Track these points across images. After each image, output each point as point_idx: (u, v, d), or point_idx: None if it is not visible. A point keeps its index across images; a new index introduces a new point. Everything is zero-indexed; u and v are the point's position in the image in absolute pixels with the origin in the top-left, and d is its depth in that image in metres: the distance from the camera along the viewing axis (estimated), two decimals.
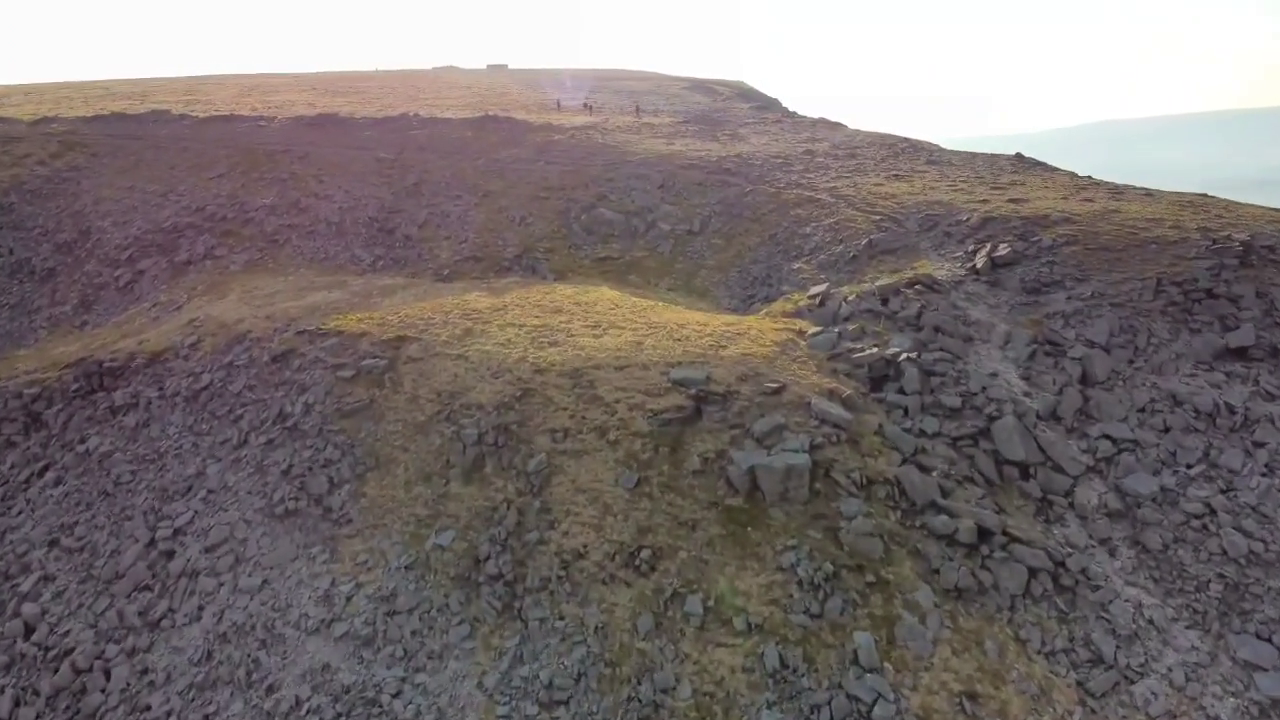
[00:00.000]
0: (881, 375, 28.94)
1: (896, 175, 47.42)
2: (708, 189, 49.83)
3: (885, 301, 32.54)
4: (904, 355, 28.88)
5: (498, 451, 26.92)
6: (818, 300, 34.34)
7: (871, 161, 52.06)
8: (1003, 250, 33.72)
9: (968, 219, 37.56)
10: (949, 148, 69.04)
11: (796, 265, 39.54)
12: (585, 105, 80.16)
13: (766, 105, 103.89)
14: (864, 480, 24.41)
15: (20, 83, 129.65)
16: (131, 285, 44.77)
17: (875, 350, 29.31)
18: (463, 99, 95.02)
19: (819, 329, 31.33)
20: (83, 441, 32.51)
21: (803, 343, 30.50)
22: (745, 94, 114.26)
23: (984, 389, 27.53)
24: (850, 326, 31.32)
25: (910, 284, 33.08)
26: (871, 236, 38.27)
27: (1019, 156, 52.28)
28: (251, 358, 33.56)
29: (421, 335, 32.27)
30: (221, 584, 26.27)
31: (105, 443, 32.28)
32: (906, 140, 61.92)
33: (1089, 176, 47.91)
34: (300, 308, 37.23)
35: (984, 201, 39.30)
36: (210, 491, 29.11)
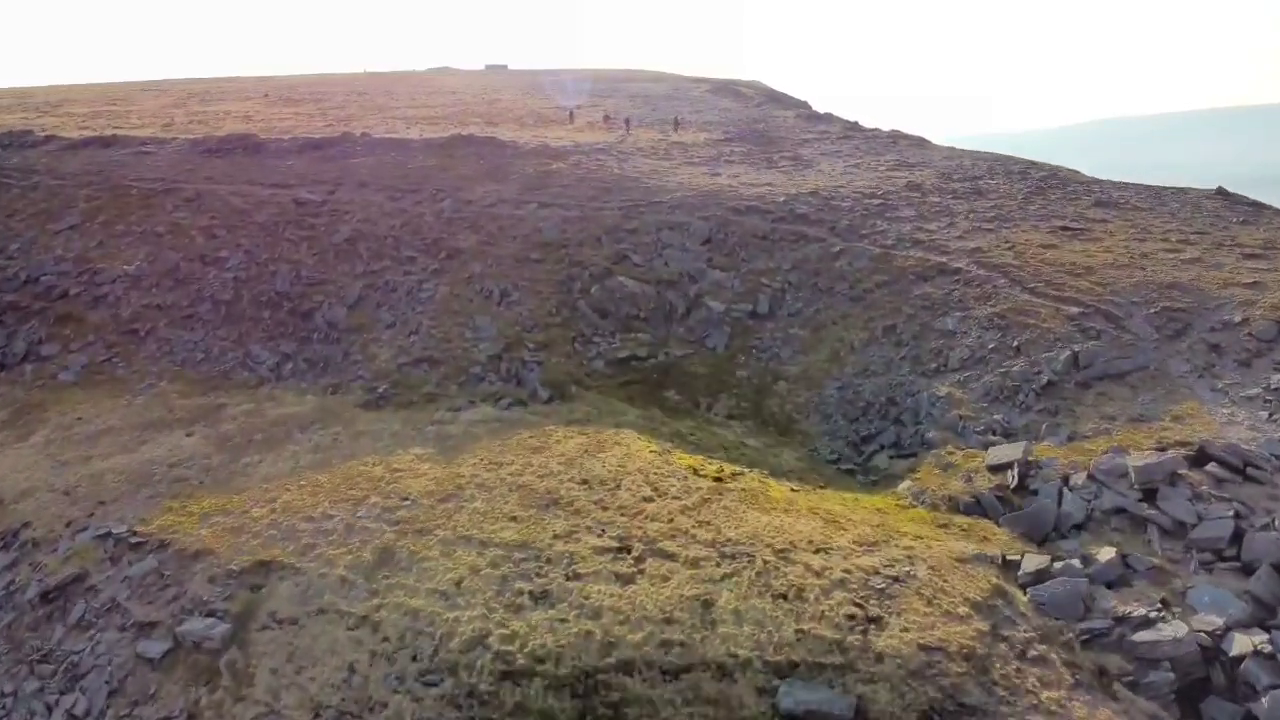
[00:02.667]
0: (1197, 679, 15.74)
1: (1066, 228, 34.35)
2: (776, 246, 36.82)
3: (1151, 495, 19.30)
4: (1244, 645, 15.56)
5: None
6: (1011, 477, 21.15)
7: (1013, 203, 38.92)
8: None
9: (1241, 319, 24.32)
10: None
11: (943, 389, 26.33)
12: (606, 117, 67.27)
13: (811, 113, 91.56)
14: None
15: None
16: None
17: (1179, 630, 16.04)
18: (444, 108, 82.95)
19: (1040, 562, 18.06)
20: None
21: (1019, 596, 17.26)
22: (774, 97, 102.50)
23: None
24: (1102, 556, 18.05)
25: (1195, 459, 19.85)
26: (1076, 347, 25.09)
27: (1222, 193, 39.14)
28: (10, 589, 20.62)
29: (302, 560, 19.25)
30: None
31: None
32: (1036, 164, 48.86)
33: None
34: (126, 472, 24.44)
35: (1253, 285, 26.15)
36: None
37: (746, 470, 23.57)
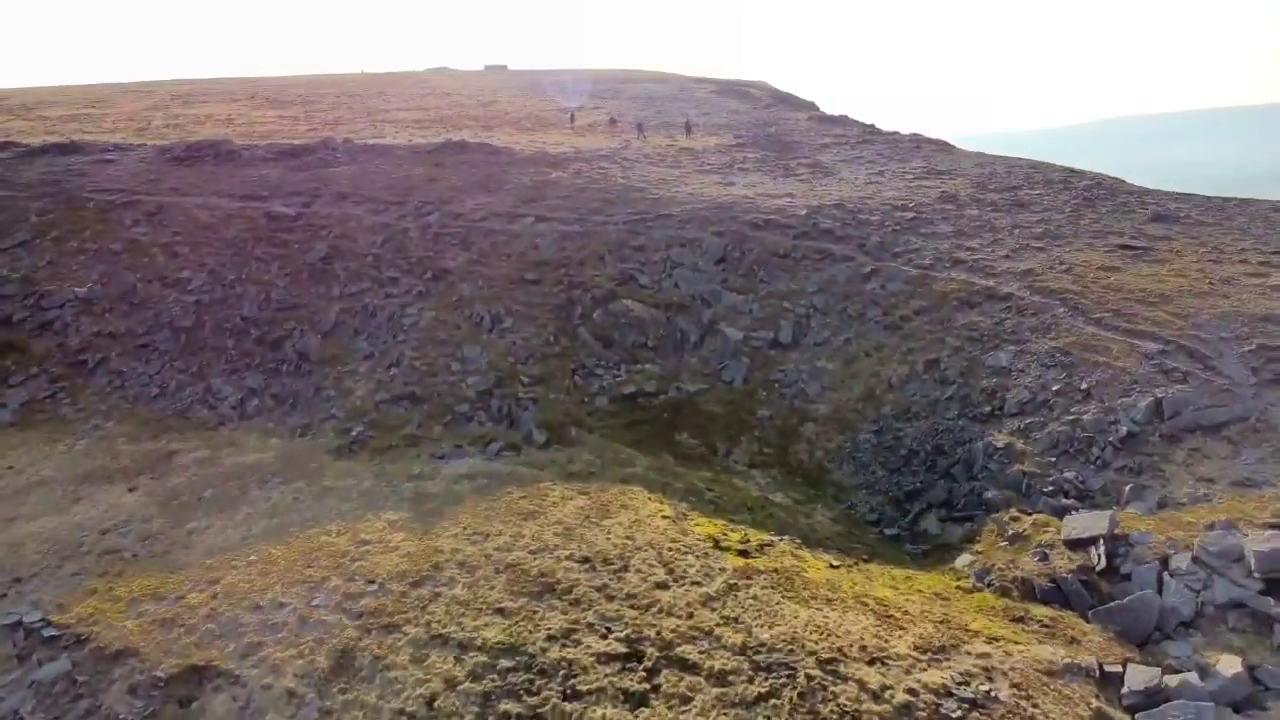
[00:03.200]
0: None
1: (1126, 246, 31.24)
2: (799, 265, 33.75)
3: (1275, 585, 16.20)
4: None
5: None
6: (1096, 556, 18.01)
7: (1060, 216, 35.81)
8: None
9: None
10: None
11: (1001, 439, 23.18)
12: (612, 120, 63.92)
13: (824, 115, 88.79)
14: None
15: None
16: None
17: None
18: (438, 110, 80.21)
19: (1149, 677, 14.91)
20: None
21: None
22: (783, 98, 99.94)
23: None
24: (1223, 667, 14.91)
25: None
26: (1159, 392, 21.94)
27: None
28: None
29: (242, 665, 16.16)
30: None
31: None
32: (1076, 171, 45.81)
33: None
34: (51, 540, 21.39)
35: None
36: None
37: (776, 539, 20.48)
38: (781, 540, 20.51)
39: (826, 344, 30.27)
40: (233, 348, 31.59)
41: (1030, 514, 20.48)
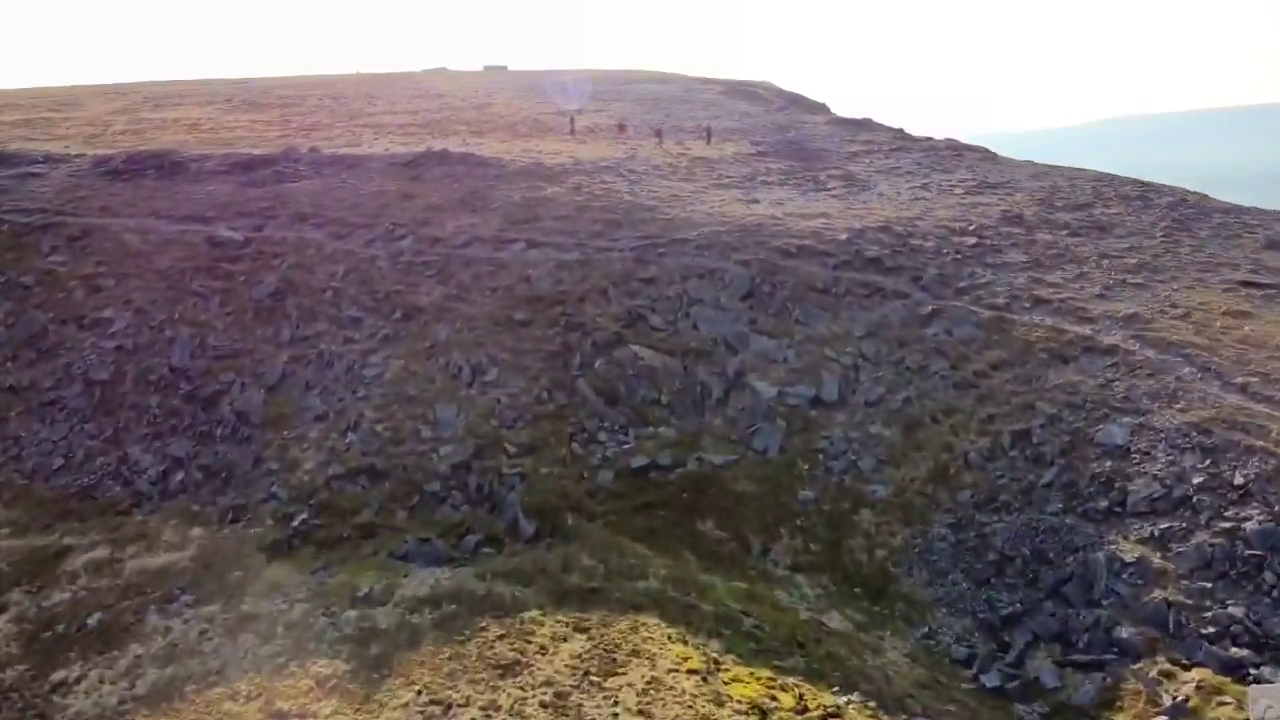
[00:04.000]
0: None
1: (1250, 283, 26.40)
2: (842, 302, 28.78)
3: None
4: None
5: None
6: None
7: (1152, 242, 30.85)
8: None
9: None
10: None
11: (1130, 549, 18.09)
12: (621, 126, 58.33)
13: (843, 119, 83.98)
14: None
15: None
16: None
17: None
18: (427, 114, 75.40)
19: None
20: None
21: None
22: (794, 99, 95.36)
23: None
24: None
25: None
26: None
27: None
28: None
29: None
30: None
31: None
32: (1149, 185, 40.86)
33: None
34: None
35: None
36: None
37: (842, 700, 15.44)
38: (850, 702, 15.49)
39: (880, 404, 25.21)
40: (157, 406, 26.66)
41: (1188, 668, 15.47)
